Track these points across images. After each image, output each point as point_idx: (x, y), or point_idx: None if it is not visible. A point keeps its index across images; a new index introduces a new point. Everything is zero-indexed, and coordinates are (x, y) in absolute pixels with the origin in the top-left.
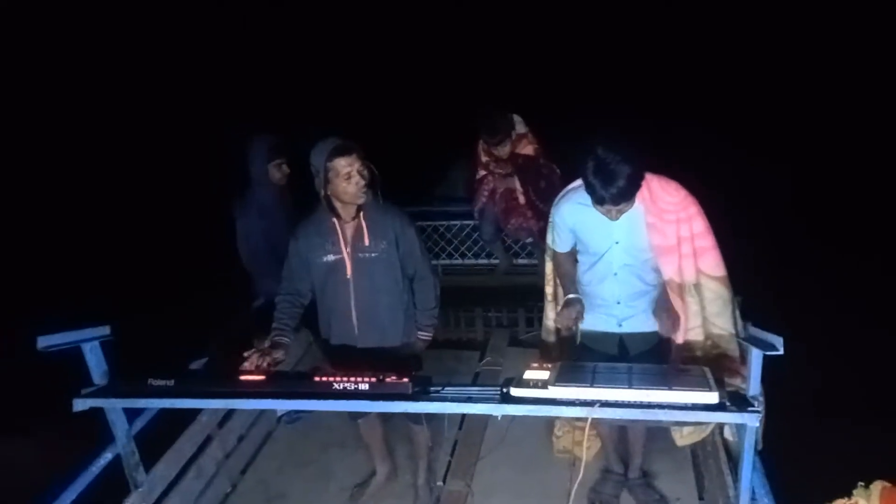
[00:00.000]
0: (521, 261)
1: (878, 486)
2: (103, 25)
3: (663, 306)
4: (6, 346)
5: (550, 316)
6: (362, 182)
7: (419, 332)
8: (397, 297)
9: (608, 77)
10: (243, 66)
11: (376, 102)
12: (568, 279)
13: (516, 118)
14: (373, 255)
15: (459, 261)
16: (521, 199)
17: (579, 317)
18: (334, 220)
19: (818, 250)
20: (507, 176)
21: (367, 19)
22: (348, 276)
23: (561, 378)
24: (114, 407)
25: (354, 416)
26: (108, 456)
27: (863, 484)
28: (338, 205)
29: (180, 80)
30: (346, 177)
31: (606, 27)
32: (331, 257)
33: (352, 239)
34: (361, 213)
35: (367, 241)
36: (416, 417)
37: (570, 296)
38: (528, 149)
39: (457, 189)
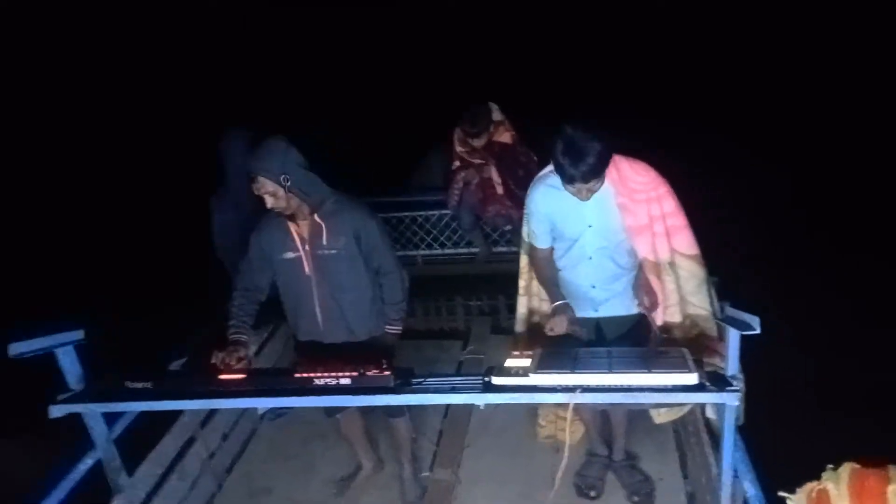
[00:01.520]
0: (500, 248)
1: (846, 468)
2: (103, 25)
3: (641, 284)
4: None
5: (522, 309)
6: (273, 203)
7: (387, 326)
8: (361, 292)
9: (606, 76)
10: (237, 64)
11: (353, 90)
12: (550, 285)
13: (493, 106)
14: (332, 251)
15: (439, 250)
16: (500, 190)
17: (572, 321)
18: (286, 219)
19: (818, 245)
20: (483, 165)
21: (351, 9)
22: (308, 274)
23: (542, 365)
24: (91, 412)
25: (330, 413)
26: (88, 461)
27: (832, 467)
28: None
29: (180, 80)
30: (262, 197)
31: (605, 24)
32: (290, 254)
33: (309, 237)
34: (316, 212)
35: (325, 240)
36: (393, 410)
37: (559, 302)
38: (504, 136)
39: (434, 178)
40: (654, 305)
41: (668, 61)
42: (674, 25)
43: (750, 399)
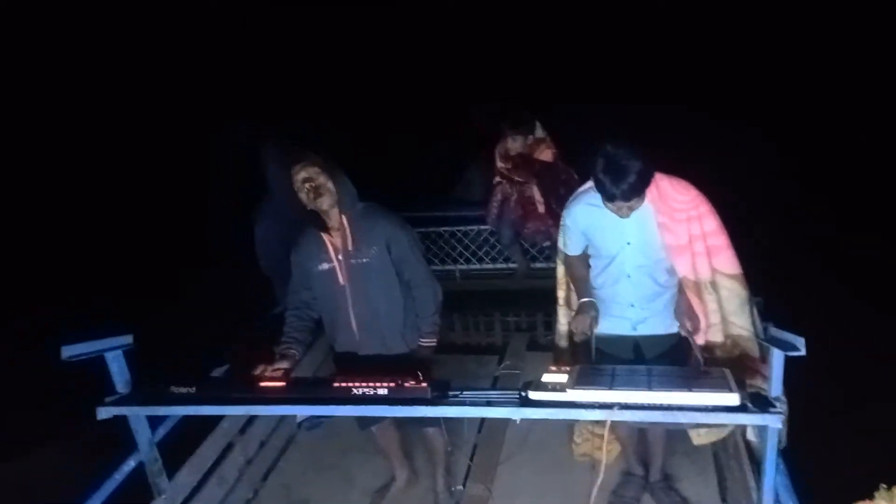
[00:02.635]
0: (539, 264)
1: None
2: (103, 25)
3: (682, 309)
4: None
5: (563, 321)
6: (316, 197)
7: (421, 340)
8: (395, 302)
9: (609, 71)
10: (237, 64)
11: (392, 106)
12: (581, 283)
13: (537, 123)
14: (364, 260)
15: (477, 265)
16: (541, 208)
17: (594, 322)
18: (317, 229)
19: (839, 246)
20: (524, 184)
21: (381, 18)
22: (342, 283)
23: (580, 381)
24: (136, 415)
25: (364, 425)
26: (131, 463)
27: (885, 486)
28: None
29: (181, 79)
30: (301, 189)
31: (620, 19)
32: (325, 266)
33: (342, 247)
34: (346, 220)
35: (354, 248)
36: (429, 421)
37: (584, 300)
38: (546, 154)
39: (473, 193)
40: (696, 329)
41: (671, 52)
42: (678, 16)
43: (792, 421)
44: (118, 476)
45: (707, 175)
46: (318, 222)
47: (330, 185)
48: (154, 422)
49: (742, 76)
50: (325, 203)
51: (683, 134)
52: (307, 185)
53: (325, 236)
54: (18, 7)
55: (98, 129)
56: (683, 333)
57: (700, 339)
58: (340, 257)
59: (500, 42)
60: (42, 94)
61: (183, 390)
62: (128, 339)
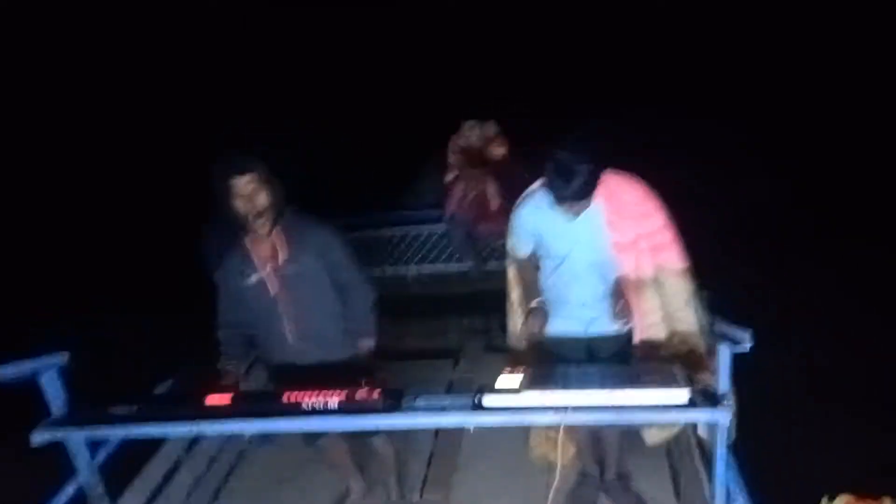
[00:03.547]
0: (492, 265)
1: (843, 499)
2: (103, 25)
3: (616, 293)
4: None
5: (517, 322)
6: (251, 204)
7: (361, 341)
8: (330, 308)
9: (610, 71)
10: (237, 64)
11: (344, 109)
12: (531, 284)
13: (491, 120)
14: (295, 269)
15: (430, 266)
16: (493, 205)
17: (544, 324)
18: (246, 240)
19: (818, 240)
20: (478, 180)
21: (351, 9)
22: (273, 294)
23: (533, 383)
24: (74, 439)
25: (309, 441)
26: (69, 490)
27: (827, 496)
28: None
29: (179, 80)
30: (238, 196)
31: (609, 20)
32: (252, 279)
33: (270, 256)
34: (276, 229)
35: (286, 257)
36: (375, 431)
37: (533, 304)
38: (499, 151)
39: (425, 194)
40: (625, 312)
41: (665, 55)
42: (672, 20)
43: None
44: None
45: (695, 175)
46: (244, 231)
47: (264, 194)
48: (95, 443)
49: (732, 76)
50: (260, 213)
51: (669, 134)
52: (244, 194)
53: (251, 247)
54: (19, 7)
55: (98, 128)
56: (615, 317)
57: (636, 336)
58: (269, 267)
59: (490, 43)
60: (41, 95)
61: (123, 410)
62: (63, 358)
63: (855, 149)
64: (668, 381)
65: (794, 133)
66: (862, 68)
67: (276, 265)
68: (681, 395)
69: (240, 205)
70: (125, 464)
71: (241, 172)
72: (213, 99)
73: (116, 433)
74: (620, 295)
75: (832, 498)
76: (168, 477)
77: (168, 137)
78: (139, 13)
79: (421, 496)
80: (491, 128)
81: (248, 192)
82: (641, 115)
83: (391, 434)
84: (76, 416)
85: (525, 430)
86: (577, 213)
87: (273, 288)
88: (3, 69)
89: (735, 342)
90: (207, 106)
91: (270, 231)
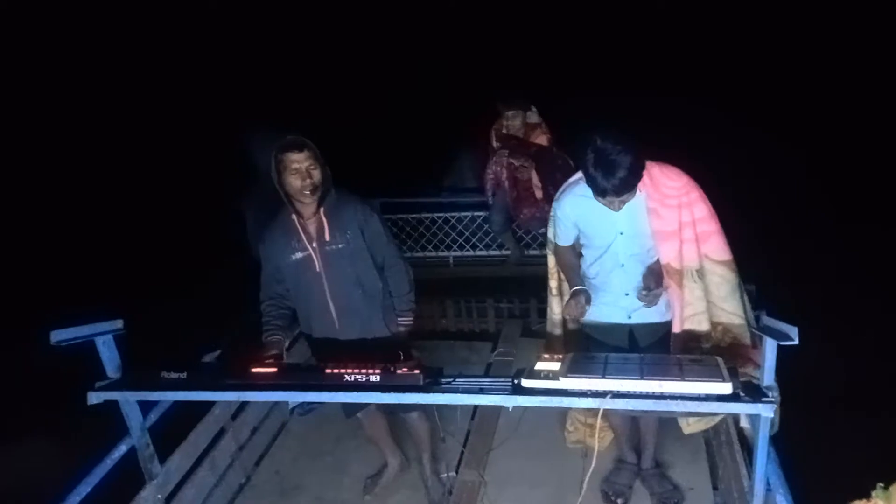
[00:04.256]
0: (532, 252)
1: None
2: (104, 25)
3: (652, 269)
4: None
5: (556, 310)
6: (309, 181)
7: (399, 319)
8: (372, 285)
9: (619, 59)
10: (245, 59)
11: (382, 93)
12: (572, 271)
13: (532, 108)
14: (339, 246)
15: (471, 252)
16: (539, 194)
17: (584, 309)
18: (294, 217)
19: (838, 235)
20: (520, 167)
21: (375, 5)
22: (318, 270)
23: (572, 369)
24: (127, 400)
25: (350, 412)
26: (122, 448)
27: (882, 485)
28: (295, 202)
29: (183, 74)
30: (294, 172)
31: (620, 6)
32: (299, 254)
33: (315, 234)
34: (322, 209)
35: (328, 236)
36: (411, 406)
37: (577, 287)
38: (541, 139)
39: (465, 179)
40: (656, 284)
41: (678, 42)
42: (681, 9)
43: (783, 405)
44: (109, 461)
45: (709, 166)
46: (292, 209)
47: (318, 171)
48: (145, 407)
49: (745, 68)
50: (314, 189)
51: (684, 125)
52: (307, 172)
53: (299, 224)
54: (19, 7)
55: (99, 128)
56: (643, 293)
57: (676, 327)
58: (314, 244)
59: (498, 36)
60: (40, 95)
61: (174, 376)
62: (118, 324)
63: (864, 137)
64: (711, 373)
65: (805, 124)
66: (881, 53)
67: (321, 242)
68: (725, 387)
69: (294, 180)
70: (173, 428)
71: (300, 148)
72: (212, 98)
73: (167, 397)
74: (652, 277)
75: (887, 486)
76: (213, 443)
77: (168, 137)
78: (140, 13)
79: (456, 473)
80: (533, 115)
81: (305, 168)
82: (648, 105)
83: (427, 413)
84: (130, 379)
85: (561, 416)
86: (620, 207)
87: (318, 264)
88: (28, 62)
89: (782, 337)
90: (207, 105)
91: (318, 209)
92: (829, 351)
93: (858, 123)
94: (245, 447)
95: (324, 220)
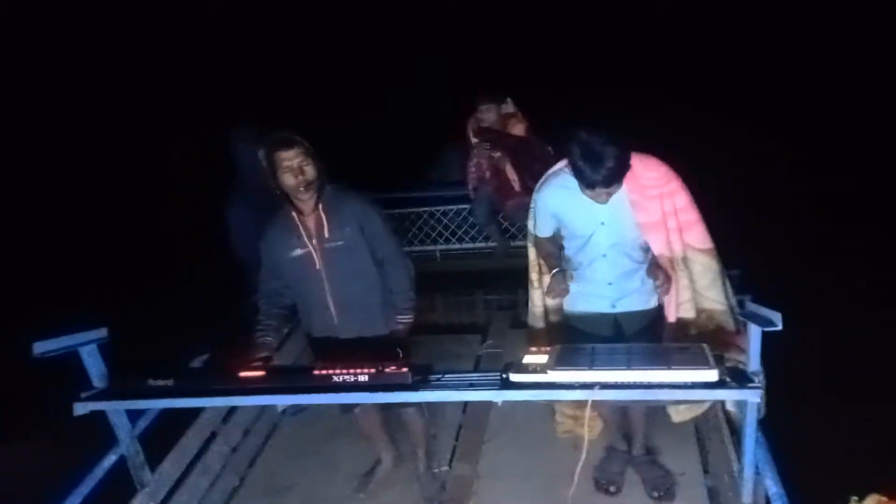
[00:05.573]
0: (518, 243)
1: (873, 499)
2: (103, 25)
3: (653, 264)
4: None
5: (537, 303)
6: (302, 177)
7: (398, 317)
8: (372, 281)
9: (608, 61)
10: (237, 64)
11: (368, 88)
12: (552, 258)
13: (507, 99)
14: (339, 243)
15: (457, 245)
16: (516, 186)
17: (567, 287)
18: (294, 214)
19: (825, 230)
20: (498, 159)
21: (351, 9)
22: (318, 268)
23: (560, 362)
24: (115, 409)
25: (346, 409)
26: (112, 457)
27: (856, 499)
28: (294, 199)
29: (181, 73)
30: (286, 170)
31: (610, 8)
32: (298, 251)
33: (315, 231)
34: (321, 205)
35: (328, 233)
36: (408, 402)
37: (556, 269)
38: (518, 128)
39: (451, 173)
40: (667, 281)
41: (666, 46)
42: (673, 10)
43: (769, 389)
44: (99, 471)
45: (702, 167)
46: (291, 206)
47: (311, 166)
48: (134, 414)
49: (734, 69)
50: (309, 185)
51: (669, 125)
52: (300, 169)
53: (298, 220)
54: (19, 7)
55: (99, 128)
56: (657, 289)
57: (671, 315)
58: (314, 241)
59: (498, 36)
60: (39, 94)
61: (161, 383)
62: (102, 333)
63: (849, 137)
64: (698, 360)
65: (812, 123)
66: (882, 55)
67: (321, 239)
68: (711, 374)
69: (288, 178)
70: (163, 434)
71: (290, 146)
72: (211, 98)
73: (155, 404)
74: (657, 269)
75: (861, 498)
76: (205, 447)
77: (167, 136)
78: (139, 13)
79: (450, 467)
80: (508, 105)
81: (297, 165)
82: (638, 106)
83: (421, 407)
84: (116, 388)
85: (552, 408)
86: (607, 199)
87: (318, 261)
88: (31, 63)
89: (766, 322)
90: (207, 105)
91: (316, 205)
92: (818, 342)
93: (843, 123)
94: (237, 450)
95: (323, 216)
